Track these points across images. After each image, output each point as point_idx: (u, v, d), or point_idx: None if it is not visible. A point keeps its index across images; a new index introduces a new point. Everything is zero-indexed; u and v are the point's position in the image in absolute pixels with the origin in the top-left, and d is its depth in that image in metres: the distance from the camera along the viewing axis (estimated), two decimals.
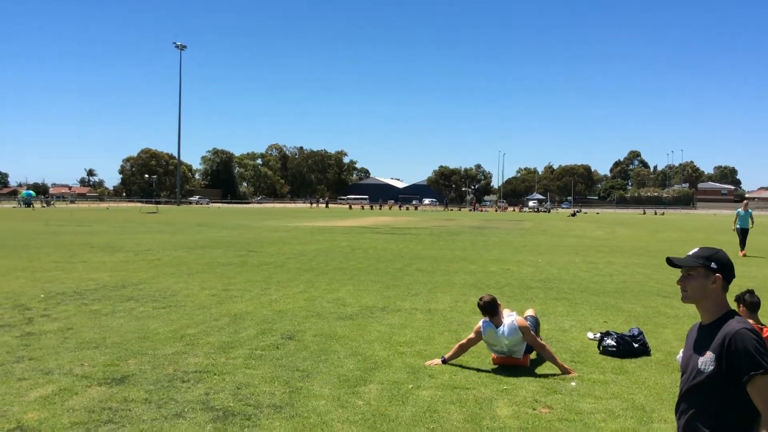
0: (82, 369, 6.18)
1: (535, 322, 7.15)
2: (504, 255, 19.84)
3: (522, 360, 6.57)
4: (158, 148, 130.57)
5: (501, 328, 6.48)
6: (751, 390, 2.67)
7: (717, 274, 2.90)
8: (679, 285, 2.99)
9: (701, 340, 2.91)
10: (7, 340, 7.31)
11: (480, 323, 6.68)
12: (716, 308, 2.91)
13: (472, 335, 6.68)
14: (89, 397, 5.35)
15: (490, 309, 6.55)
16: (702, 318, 2.97)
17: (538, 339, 6.62)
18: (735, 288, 6.52)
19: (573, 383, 6.06)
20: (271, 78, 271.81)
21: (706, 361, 2.79)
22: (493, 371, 6.45)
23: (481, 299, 6.66)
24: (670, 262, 3.05)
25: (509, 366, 6.55)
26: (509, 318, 6.56)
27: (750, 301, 6.26)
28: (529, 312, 7.41)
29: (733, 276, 2.93)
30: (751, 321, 6.00)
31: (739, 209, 22.95)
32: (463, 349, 6.65)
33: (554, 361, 6.42)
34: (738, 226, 22.53)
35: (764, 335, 6.00)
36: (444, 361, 6.59)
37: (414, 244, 23.68)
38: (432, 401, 5.44)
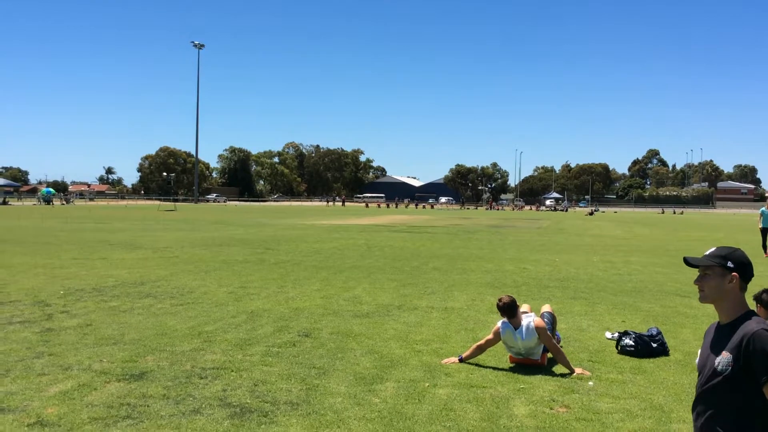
0: (101, 365, 6.24)
1: (552, 319, 7.10)
2: (521, 254, 19.76)
3: (540, 360, 6.54)
4: (176, 147, 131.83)
5: (519, 330, 6.45)
6: None
7: (734, 273, 2.86)
8: (696, 285, 2.96)
9: (718, 340, 2.88)
10: (28, 336, 7.40)
11: (498, 324, 6.64)
12: (734, 308, 2.87)
13: (490, 336, 6.64)
14: (108, 393, 5.40)
15: (509, 310, 6.50)
16: (720, 318, 2.94)
17: (554, 341, 6.57)
18: (758, 289, 6.45)
19: (590, 383, 6.02)
20: (288, 76, 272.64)
21: (723, 361, 2.76)
22: (510, 370, 6.43)
23: (500, 300, 6.61)
24: (687, 261, 3.03)
25: (526, 365, 6.53)
26: (527, 319, 6.51)
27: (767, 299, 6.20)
28: (546, 308, 7.35)
29: (751, 275, 2.89)
30: None
31: (764, 207, 21.67)
32: (480, 349, 6.61)
33: (566, 365, 6.35)
34: (762, 226, 21.30)
35: None
36: (461, 360, 6.57)
37: (430, 243, 23.66)
38: (448, 400, 5.43)
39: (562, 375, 6.27)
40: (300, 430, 4.67)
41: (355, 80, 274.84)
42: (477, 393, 5.64)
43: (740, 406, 2.72)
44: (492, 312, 9.50)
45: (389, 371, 6.24)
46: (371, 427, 4.75)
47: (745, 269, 2.88)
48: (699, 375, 2.97)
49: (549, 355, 6.64)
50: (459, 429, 4.78)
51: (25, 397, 5.26)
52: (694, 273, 3.03)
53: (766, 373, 2.62)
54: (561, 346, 6.96)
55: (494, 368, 6.48)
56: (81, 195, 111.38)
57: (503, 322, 6.59)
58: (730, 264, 2.88)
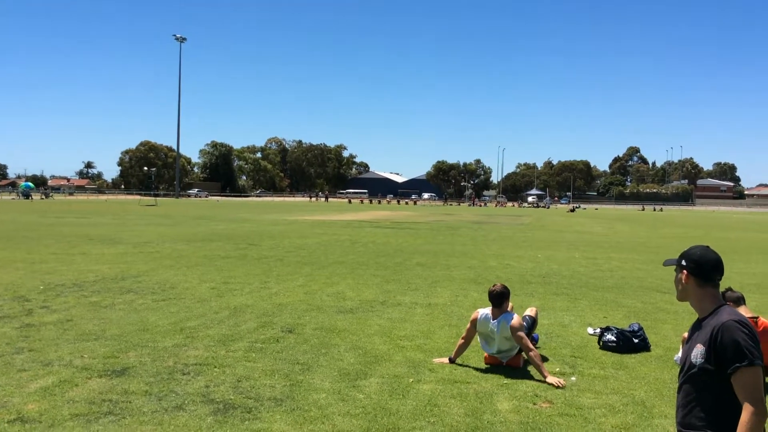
0: (82, 361, 6.17)
1: (531, 323, 7.05)
2: (503, 250, 19.85)
3: (514, 361, 6.49)
4: (157, 141, 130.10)
5: (496, 320, 6.41)
6: (735, 382, 2.69)
7: (684, 271, 2.94)
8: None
9: (695, 334, 2.95)
10: (7, 332, 7.30)
11: (477, 312, 6.62)
12: (701, 304, 2.93)
13: (468, 325, 6.63)
14: (89, 389, 5.35)
15: (496, 299, 6.46)
16: (696, 313, 3.00)
17: (529, 343, 6.31)
18: (736, 286, 6.54)
19: (573, 378, 6.06)
20: (270, 71, 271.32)
21: (698, 353, 2.82)
22: (494, 366, 6.45)
23: (494, 286, 6.60)
24: (664, 263, 3.19)
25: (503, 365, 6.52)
26: (508, 315, 6.47)
27: (733, 297, 6.34)
28: (529, 312, 7.29)
29: (706, 273, 2.90)
30: (744, 312, 6.03)
31: None
32: (466, 341, 6.57)
33: (540, 370, 6.08)
34: None
35: (760, 327, 6.04)
36: (451, 361, 6.51)
37: (413, 239, 23.68)
38: (432, 395, 5.44)
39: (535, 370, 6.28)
40: (284, 426, 4.65)
41: (339, 75, 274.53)
42: (461, 388, 5.65)
43: (715, 396, 2.78)
44: (475, 308, 9.48)
45: (373, 367, 6.24)
46: (356, 423, 4.75)
47: (697, 267, 2.91)
48: (680, 369, 3.02)
49: (525, 356, 6.60)
50: (443, 424, 4.79)
51: (5, 393, 5.19)
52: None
53: (733, 363, 2.68)
54: (538, 347, 6.92)
55: (477, 364, 6.50)
56: (60, 189, 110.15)
57: (482, 312, 6.57)
58: (683, 262, 2.95)
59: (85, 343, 6.84)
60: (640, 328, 7.47)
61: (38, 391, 5.27)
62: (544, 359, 6.63)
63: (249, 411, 4.93)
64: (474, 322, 6.57)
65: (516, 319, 6.40)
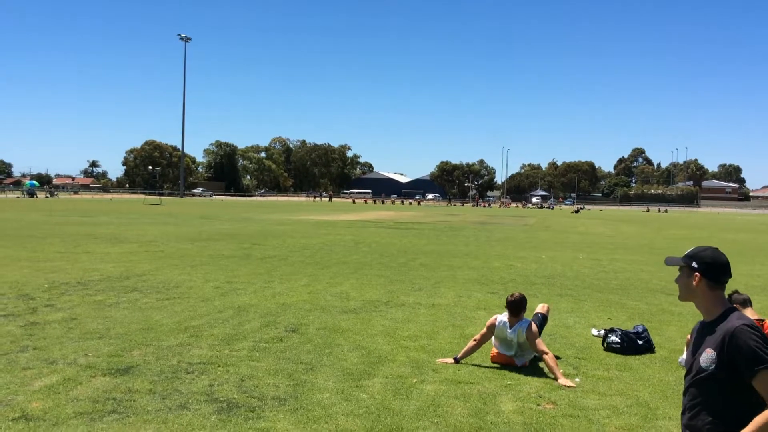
0: (87, 359, 6.19)
1: (542, 320, 7.09)
2: (507, 251, 19.82)
3: (525, 363, 6.51)
4: (162, 140, 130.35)
5: (513, 329, 6.44)
6: (758, 385, 2.68)
7: (696, 273, 2.91)
8: (676, 283, 3.02)
9: (702, 337, 2.93)
10: (12, 330, 7.32)
11: (495, 318, 6.64)
12: (710, 307, 2.92)
13: (484, 330, 6.63)
14: (93, 388, 5.35)
15: (515, 307, 6.49)
16: (703, 316, 2.98)
17: (542, 345, 6.37)
18: (742, 288, 6.52)
19: (577, 379, 6.05)
20: (275, 71, 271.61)
21: (708, 358, 2.81)
22: (497, 366, 6.45)
23: (511, 295, 6.62)
24: (665, 262, 3.15)
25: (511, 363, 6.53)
26: (523, 324, 6.48)
27: (739, 299, 6.32)
28: (540, 309, 7.32)
29: (718, 275, 2.89)
30: (750, 314, 6.02)
31: None
32: (477, 344, 6.56)
33: (553, 371, 6.10)
34: None
35: (766, 329, 6.02)
36: (456, 361, 6.50)
37: (417, 239, 23.67)
38: (436, 396, 5.43)
39: (549, 372, 6.28)
40: (288, 426, 4.66)
41: (343, 75, 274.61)
42: (464, 389, 5.65)
43: (723, 400, 2.78)
44: (479, 308, 9.54)
45: (377, 367, 6.23)
46: (359, 423, 4.75)
47: (709, 269, 2.90)
48: (686, 372, 3.01)
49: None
50: (446, 425, 4.78)
51: (9, 391, 5.20)
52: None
53: (752, 368, 2.67)
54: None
55: (481, 364, 6.49)
56: (65, 188, 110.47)
57: (500, 318, 6.58)
58: (694, 264, 2.93)
59: (89, 342, 6.85)
60: (645, 330, 7.45)
61: (42, 389, 5.28)
62: (557, 358, 6.64)
63: (253, 410, 4.94)
64: (491, 327, 6.58)
65: (532, 328, 6.43)
